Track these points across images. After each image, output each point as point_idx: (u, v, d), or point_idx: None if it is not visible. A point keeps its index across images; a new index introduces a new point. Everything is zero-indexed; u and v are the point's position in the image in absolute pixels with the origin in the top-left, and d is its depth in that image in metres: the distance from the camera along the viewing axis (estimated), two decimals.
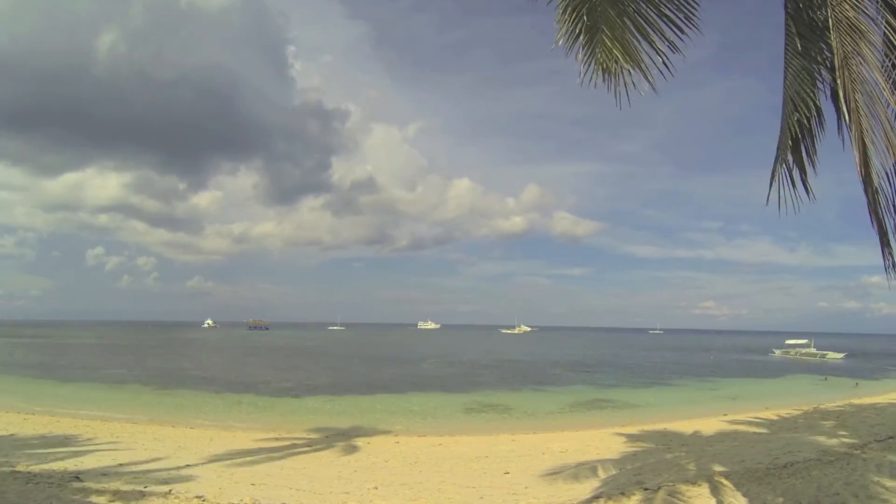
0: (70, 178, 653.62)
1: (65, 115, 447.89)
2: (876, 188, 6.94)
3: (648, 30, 8.16)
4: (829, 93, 8.53)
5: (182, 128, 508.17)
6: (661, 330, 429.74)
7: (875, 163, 6.68)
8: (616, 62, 8.14)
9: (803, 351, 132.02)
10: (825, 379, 70.79)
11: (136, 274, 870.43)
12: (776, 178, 8.73)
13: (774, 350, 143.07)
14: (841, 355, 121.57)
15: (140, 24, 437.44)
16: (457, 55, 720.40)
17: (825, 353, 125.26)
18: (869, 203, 7.16)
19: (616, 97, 8.34)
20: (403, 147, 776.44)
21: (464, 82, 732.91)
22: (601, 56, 8.23)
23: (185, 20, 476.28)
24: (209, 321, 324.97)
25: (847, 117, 6.74)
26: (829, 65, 8.08)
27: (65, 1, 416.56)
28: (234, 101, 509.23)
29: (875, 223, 7.33)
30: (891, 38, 6.90)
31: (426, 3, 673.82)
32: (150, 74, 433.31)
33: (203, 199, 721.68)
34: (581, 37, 8.27)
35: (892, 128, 6.68)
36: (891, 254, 7.48)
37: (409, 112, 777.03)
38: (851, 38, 6.62)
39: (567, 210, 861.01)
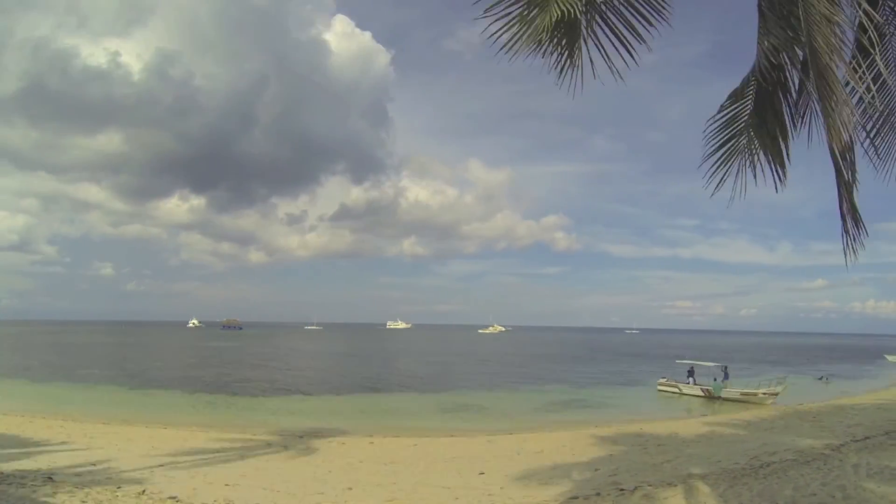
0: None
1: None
2: (847, 181, 6.96)
3: (617, 23, 8.07)
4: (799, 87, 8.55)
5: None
6: (636, 329, 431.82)
7: (844, 156, 6.70)
8: (579, 53, 8.05)
9: None
10: (825, 381, 69.29)
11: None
12: (739, 167, 8.74)
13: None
14: None
15: (291, 97, 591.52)
16: (439, 53, 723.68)
17: None
18: (840, 195, 7.19)
19: (575, 88, 8.26)
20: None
21: (447, 80, 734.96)
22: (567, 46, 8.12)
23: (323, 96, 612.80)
24: (194, 320, 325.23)
25: (817, 109, 6.75)
26: (801, 59, 8.07)
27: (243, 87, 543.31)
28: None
29: (846, 215, 7.35)
30: (866, 30, 6.88)
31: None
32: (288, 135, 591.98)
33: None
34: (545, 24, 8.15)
35: (852, 119, 6.69)
36: (851, 235, 7.49)
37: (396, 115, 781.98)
38: (822, 32, 6.59)
39: (546, 210, 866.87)
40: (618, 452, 25.77)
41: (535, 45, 7.86)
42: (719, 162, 8.84)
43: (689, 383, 55.01)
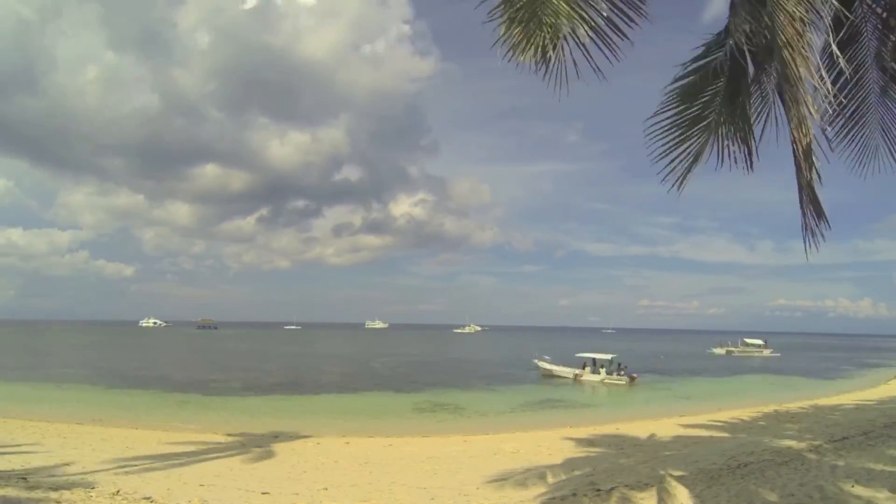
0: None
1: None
2: (807, 175, 6.98)
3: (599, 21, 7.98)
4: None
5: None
6: (613, 329, 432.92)
7: (806, 150, 6.70)
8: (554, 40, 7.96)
9: (743, 347, 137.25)
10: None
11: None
12: (709, 152, 8.71)
13: (713, 349, 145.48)
14: (768, 351, 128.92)
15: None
16: (425, 49, 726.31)
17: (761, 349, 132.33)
18: (800, 188, 7.21)
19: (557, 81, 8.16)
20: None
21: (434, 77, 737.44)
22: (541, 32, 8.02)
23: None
24: (153, 319, 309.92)
25: (782, 101, 6.78)
26: (768, 49, 8.03)
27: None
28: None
29: (806, 209, 7.38)
30: (836, 27, 6.86)
31: None
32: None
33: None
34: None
35: (815, 114, 6.69)
36: (810, 230, 7.49)
37: None
38: (789, 26, 6.56)
39: (523, 208, 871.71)
40: (594, 453, 25.75)
41: (519, 48, 7.82)
42: (683, 154, 8.79)
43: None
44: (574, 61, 7.87)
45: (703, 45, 8.80)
